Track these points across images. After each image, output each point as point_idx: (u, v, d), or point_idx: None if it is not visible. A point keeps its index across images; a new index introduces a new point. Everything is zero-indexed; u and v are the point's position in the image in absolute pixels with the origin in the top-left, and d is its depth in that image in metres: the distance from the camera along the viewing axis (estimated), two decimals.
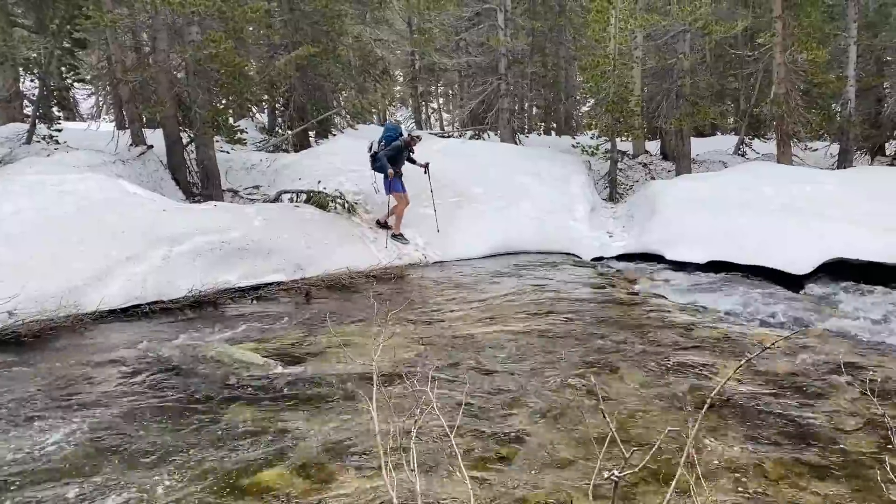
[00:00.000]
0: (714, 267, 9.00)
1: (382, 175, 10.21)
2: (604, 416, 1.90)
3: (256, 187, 13.10)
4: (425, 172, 10.48)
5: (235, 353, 5.82)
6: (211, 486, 3.70)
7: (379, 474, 3.72)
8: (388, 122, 10.77)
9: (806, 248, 8.32)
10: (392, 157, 10.05)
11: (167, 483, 3.73)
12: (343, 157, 13.20)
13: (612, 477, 1.76)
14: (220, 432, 4.37)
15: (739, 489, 3.63)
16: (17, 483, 3.72)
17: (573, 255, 10.73)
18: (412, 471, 2.26)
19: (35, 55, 11.97)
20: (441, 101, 37.93)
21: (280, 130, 18.01)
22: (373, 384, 2.76)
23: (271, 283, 8.26)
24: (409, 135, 10.31)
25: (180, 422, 4.52)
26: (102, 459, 4.00)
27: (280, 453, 4.08)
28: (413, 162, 10.48)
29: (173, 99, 12.07)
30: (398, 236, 10.34)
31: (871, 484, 3.65)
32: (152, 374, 5.42)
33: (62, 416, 4.60)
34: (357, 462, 3.95)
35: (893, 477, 3.18)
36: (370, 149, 10.29)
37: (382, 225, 10.48)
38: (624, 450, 1.80)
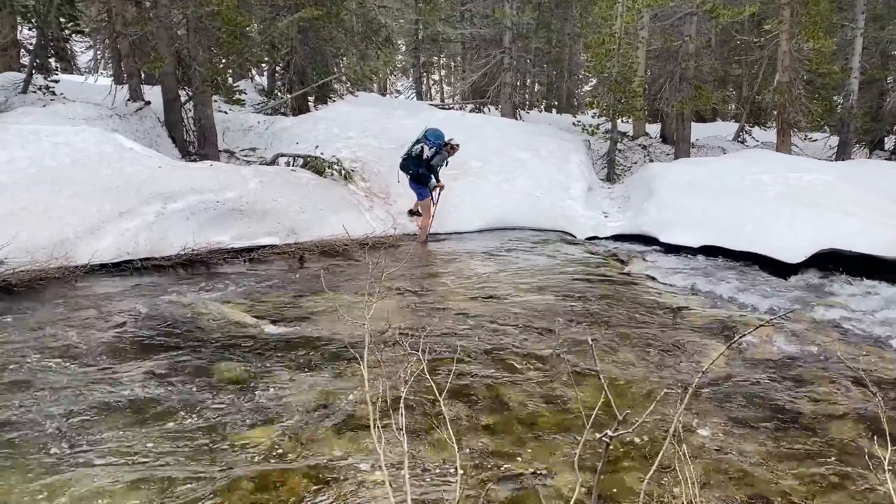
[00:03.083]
0: (707, 252, 9.02)
1: (409, 178, 9.70)
2: (599, 378, 1.90)
3: (253, 149, 13.00)
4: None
5: (226, 312, 5.81)
6: (198, 443, 3.71)
7: (367, 435, 3.74)
8: (431, 128, 9.85)
9: (800, 238, 8.34)
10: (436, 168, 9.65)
11: (153, 439, 3.74)
12: (342, 124, 13.11)
13: (603, 438, 1.77)
14: (208, 390, 4.37)
15: (720, 469, 3.67)
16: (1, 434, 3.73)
17: (567, 233, 10.73)
18: (400, 430, 2.27)
19: (34, 3, 11.75)
20: (443, 72, 37.67)
21: (279, 93, 17.83)
22: (364, 347, 2.76)
23: (265, 246, 8.24)
24: (449, 144, 9.71)
25: (169, 378, 4.53)
26: (88, 413, 4.00)
27: (268, 412, 4.10)
28: None
29: (173, 55, 11.91)
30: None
31: (855, 469, 3.70)
32: (142, 330, 5.41)
33: (50, 367, 4.59)
34: (346, 422, 3.98)
35: (880, 458, 3.21)
36: (421, 152, 9.46)
37: (415, 213, 10.25)
38: (617, 413, 1.81)
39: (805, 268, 8.21)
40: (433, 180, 9.66)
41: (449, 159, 9.87)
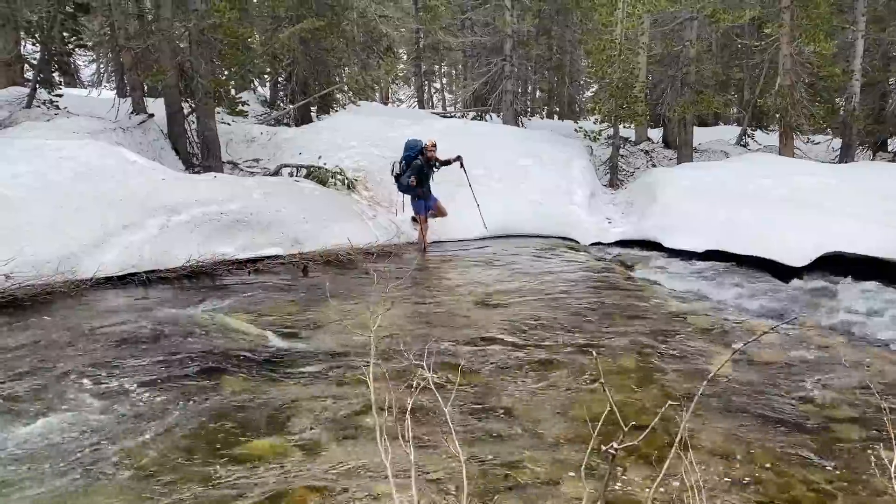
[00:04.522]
0: (711, 256, 9.00)
1: (409, 196, 9.75)
2: (604, 390, 1.90)
3: (256, 160, 13.05)
4: (461, 167, 9.88)
5: (231, 323, 5.83)
6: (202, 454, 3.71)
7: (373, 446, 3.74)
8: (407, 139, 9.83)
9: (804, 241, 8.31)
10: (417, 177, 9.43)
11: (159, 449, 3.75)
12: (344, 134, 13.15)
13: (609, 450, 1.77)
14: (213, 401, 4.38)
15: (727, 475, 3.66)
16: (7, 445, 3.74)
17: (571, 239, 10.73)
18: (407, 443, 2.27)
19: (37, 18, 11.86)
20: (444, 80, 37.75)
21: (282, 104, 17.91)
22: (370, 358, 2.76)
23: (269, 257, 8.25)
24: (423, 148, 9.51)
25: (174, 389, 4.54)
26: (93, 424, 4.01)
27: (274, 423, 4.10)
28: (447, 163, 9.80)
29: (175, 68, 11.99)
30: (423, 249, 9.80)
31: (861, 472, 3.68)
32: (147, 342, 5.42)
33: (55, 380, 4.60)
34: (351, 433, 3.98)
35: (886, 464, 3.20)
36: (392, 170, 9.77)
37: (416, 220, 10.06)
38: (622, 423, 1.81)
39: (810, 271, 8.18)
40: (427, 191, 9.64)
41: (441, 161, 9.73)
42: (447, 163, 9.83)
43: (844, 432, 4.20)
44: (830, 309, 6.92)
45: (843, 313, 6.75)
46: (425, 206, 9.67)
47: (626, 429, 1.78)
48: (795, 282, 7.98)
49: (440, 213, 9.96)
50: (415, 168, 9.40)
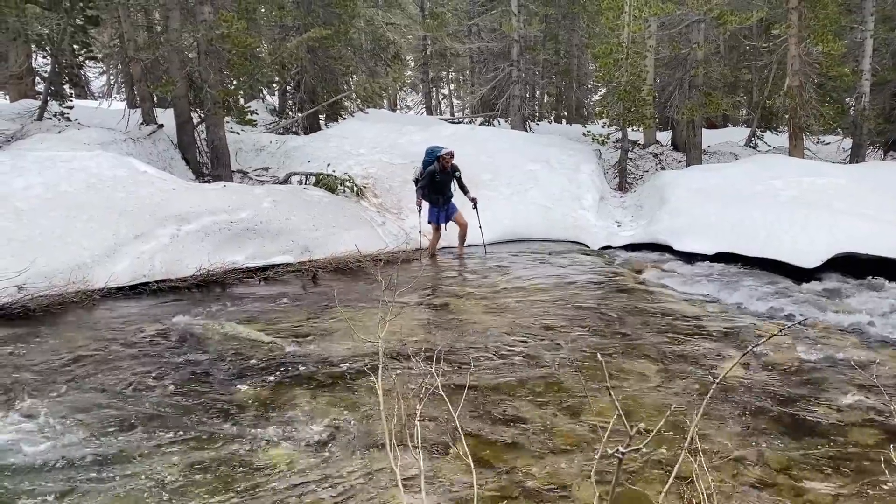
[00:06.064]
0: (722, 258, 8.96)
1: (428, 203, 9.57)
2: (609, 394, 1.90)
3: (266, 169, 13.12)
4: (474, 208, 9.61)
5: (242, 332, 5.85)
6: (216, 464, 3.73)
7: (383, 453, 3.74)
8: (428, 146, 9.60)
9: (815, 242, 8.27)
10: (429, 184, 9.29)
11: (173, 460, 3.77)
12: (353, 141, 13.21)
13: (616, 454, 1.77)
14: (226, 410, 4.40)
15: (740, 479, 3.64)
16: (21, 456, 3.77)
17: (580, 243, 10.71)
18: (416, 450, 2.28)
19: (47, 32, 11.98)
20: (452, 86, 37.83)
21: (290, 112, 18.01)
22: (378, 365, 2.77)
23: (279, 265, 8.28)
24: (437, 157, 9.29)
25: (186, 399, 4.56)
26: (107, 434, 4.03)
27: (285, 431, 4.11)
28: (464, 190, 9.55)
29: (184, 78, 12.09)
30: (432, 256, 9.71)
31: (874, 476, 3.66)
32: (159, 351, 5.45)
33: (69, 390, 4.64)
34: (362, 441, 3.98)
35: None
36: (414, 175, 9.81)
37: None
38: (627, 428, 1.81)
39: (821, 272, 8.14)
40: (446, 200, 9.51)
41: (461, 181, 9.51)
42: (465, 189, 9.56)
43: (858, 435, 4.17)
44: (843, 310, 6.87)
45: (856, 314, 6.70)
46: (440, 215, 9.53)
47: (632, 433, 1.78)
48: (807, 283, 7.93)
49: (460, 224, 9.66)
50: (428, 173, 9.32)
